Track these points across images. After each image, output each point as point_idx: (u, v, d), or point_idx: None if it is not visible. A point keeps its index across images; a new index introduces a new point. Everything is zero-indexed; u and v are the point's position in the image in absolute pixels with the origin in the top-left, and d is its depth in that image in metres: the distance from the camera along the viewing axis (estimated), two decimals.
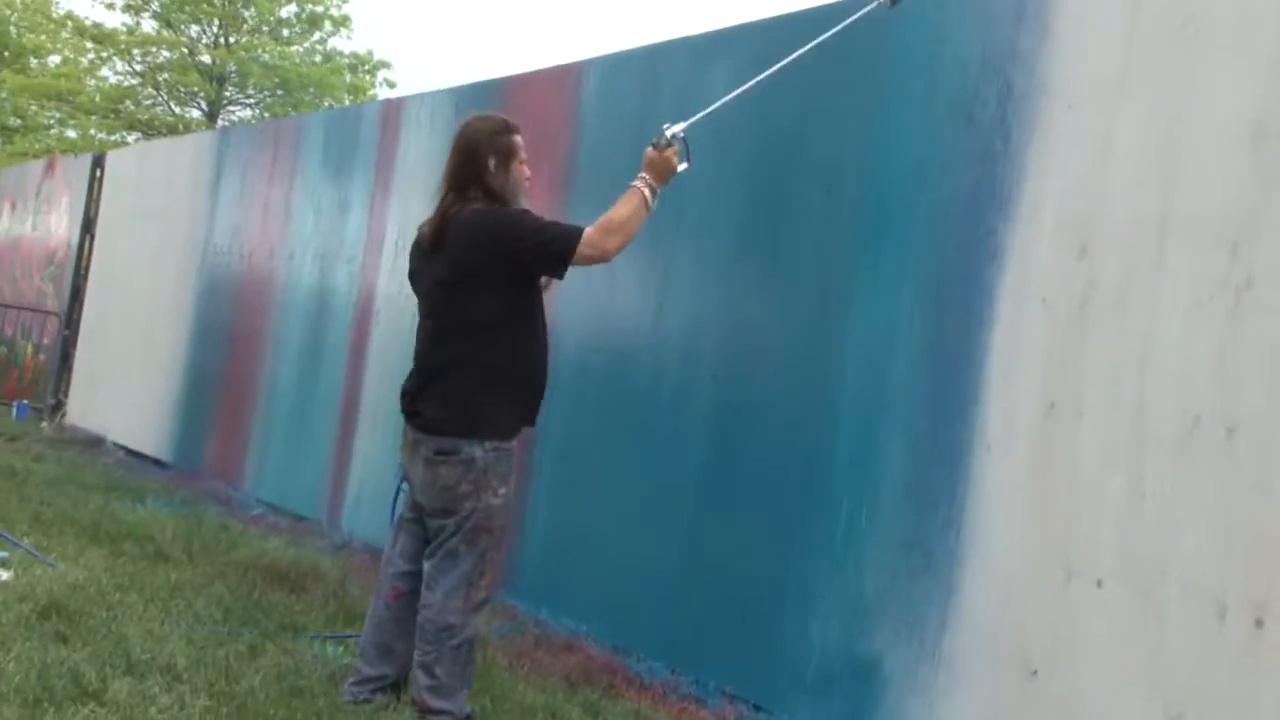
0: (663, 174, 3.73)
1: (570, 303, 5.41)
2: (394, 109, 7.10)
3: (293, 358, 7.67)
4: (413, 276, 3.86)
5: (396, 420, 6.55)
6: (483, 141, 3.71)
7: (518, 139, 3.78)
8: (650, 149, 3.73)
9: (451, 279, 3.62)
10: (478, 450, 3.58)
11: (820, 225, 4.36)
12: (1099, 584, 3.23)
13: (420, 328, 3.78)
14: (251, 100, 28.07)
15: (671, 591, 4.70)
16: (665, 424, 4.90)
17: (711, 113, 3.93)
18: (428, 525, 3.71)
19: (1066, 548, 3.33)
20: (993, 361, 3.62)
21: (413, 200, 6.79)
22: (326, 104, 26.99)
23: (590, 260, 3.62)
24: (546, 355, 3.75)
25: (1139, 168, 3.30)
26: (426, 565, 3.68)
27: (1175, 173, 3.20)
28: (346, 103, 26.32)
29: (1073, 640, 3.27)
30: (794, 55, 3.89)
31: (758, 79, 3.98)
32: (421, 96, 6.88)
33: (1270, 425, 2.88)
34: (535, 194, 5.20)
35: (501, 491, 3.63)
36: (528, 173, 3.81)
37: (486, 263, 3.58)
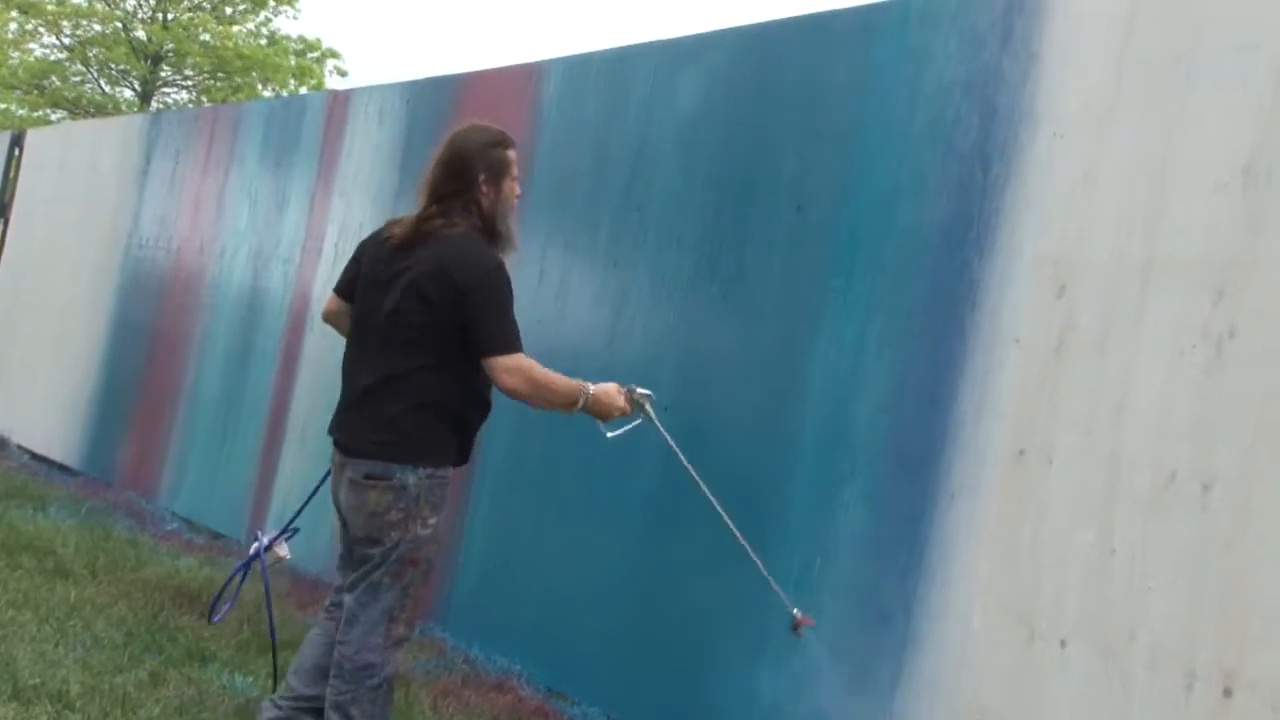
0: (605, 409, 3.68)
1: (519, 317, 5.41)
2: (340, 101, 7.10)
3: (219, 362, 7.63)
4: (361, 276, 3.76)
5: (325, 435, 6.49)
6: (475, 154, 3.65)
7: (512, 154, 3.73)
8: (615, 385, 3.69)
9: (407, 295, 3.55)
10: (411, 476, 3.54)
11: (788, 247, 4.39)
12: (1063, 645, 3.26)
13: (357, 335, 3.70)
14: (189, 82, 27.95)
15: (612, 633, 4.70)
16: (613, 458, 4.89)
17: (668, 442, 3.85)
18: (355, 554, 3.66)
19: (1031, 605, 3.37)
20: (961, 403, 3.66)
21: (356, 199, 6.78)
22: (270, 89, 26.87)
23: (494, 379, 3.54)
24: (488, 395, 3.70)
25: (1123, 205, 3.35)
26: (348, 598, 3.65)
27: (1160, 212, 3.26)
28: (292, 87, 26.23)
29: (1033, 705, 3.30)
30: None
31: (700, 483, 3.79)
32: (370, 89, 6.89)
33: (1247, 483, 2.93)
34: None
35: (432, 522, 3.59)
36: (518, 190, 3.75)
37: (448, 298, 3.53)
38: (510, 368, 3.52)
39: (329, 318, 3.89)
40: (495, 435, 5.53)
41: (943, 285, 3.79)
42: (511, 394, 3.55)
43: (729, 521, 3.74)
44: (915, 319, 3.86)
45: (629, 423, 3.74)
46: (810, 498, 4.09)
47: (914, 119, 3.97)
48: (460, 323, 3.52)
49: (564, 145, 5.52)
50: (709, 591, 4.35)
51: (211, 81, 27.17)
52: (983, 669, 3.45)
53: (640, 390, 3.73)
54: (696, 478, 3.76)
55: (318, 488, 4.00)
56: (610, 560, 4.79)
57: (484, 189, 3.62)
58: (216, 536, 7.06)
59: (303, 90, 25.56)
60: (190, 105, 26.29)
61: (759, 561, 3.73)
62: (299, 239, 7.14)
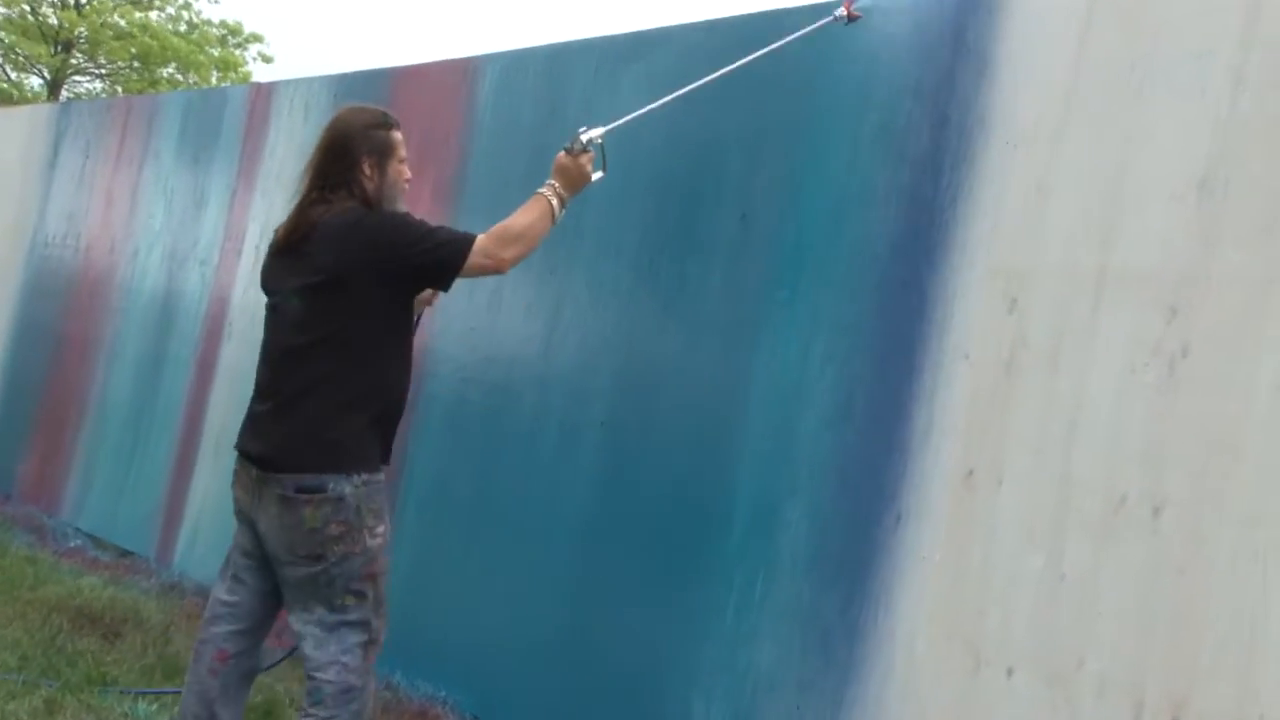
0: (575, 182, 3.74)
1: (449, 324, 5.42)
2: (263, 94, 7.07)
3: (129, 369, 7.55)
4: (265, 284, 3.79)
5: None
6: (356, 136, 3.66)
7: (397, 135, 3.73)
8: (562, 153, 3.75)
9: (314, 287, 3.54)
10: (346, 486, 3.51)
11: (732, 256, 4.43)
12: (1010, 673, 3.31)
13: (268, 343, 3.70)
14: (102, 71, 27.66)
15: (544, 658, 4.71)
16: (547, 471, 4.91)
17: (636, 118, 3.96)
18: (284, 576, 3.59)
19: (977, 631, 3.41)
20: (909, 420, 3.70)
21: (279, 198, 6.74)
22: (191, 81, 26.66)
23: (483, 270, 3.61)
24: (409, 383, 3.72)
25: (1077, 217, 3.41)
26: (297, 622, 3.56)
27: (1114, 225, 3.32)
28: (215, 81, 26.03)
29: None
30: (741, 62, 3.94)
31: (695, 85, 4.03)
32: (295, 82, 6.86)
33: (1198, 508, 2.99)
34: (418, 202, 5.22)
35: (380, 530, 3.57)
36: (407, 174, 3.76)
37: (359, 270, 3.51)
38: (486, 253, 3.55)
39: None
40: (422, 454, 5.53)
41: (891, 298, 3.84)
42: (510, 264, 3.60)
43: None
44: (862, 333, 3.90)
45: (600, 161, 3.77)
46: (751, 516, 4.11)
47: (863, 124, 4.02)
48: (393, 280, 3.51)
49: (500, 145, 5.53)
50: (644, 616, 4.37)
51: (127, 72, 26.91)
52: (926, 697, 3.49)
53: (585, 135, 3.73)
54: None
55: None
56: (542, 583, 4.79)
57: (368, 172, 3.62)
58: (124, 554, 6.98)
59: (227, 83, 25.36)
60: (103, 95, 26.01)
61: None
62: (218, 239, 7.09)
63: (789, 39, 3.92)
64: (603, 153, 3.73)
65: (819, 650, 3.78)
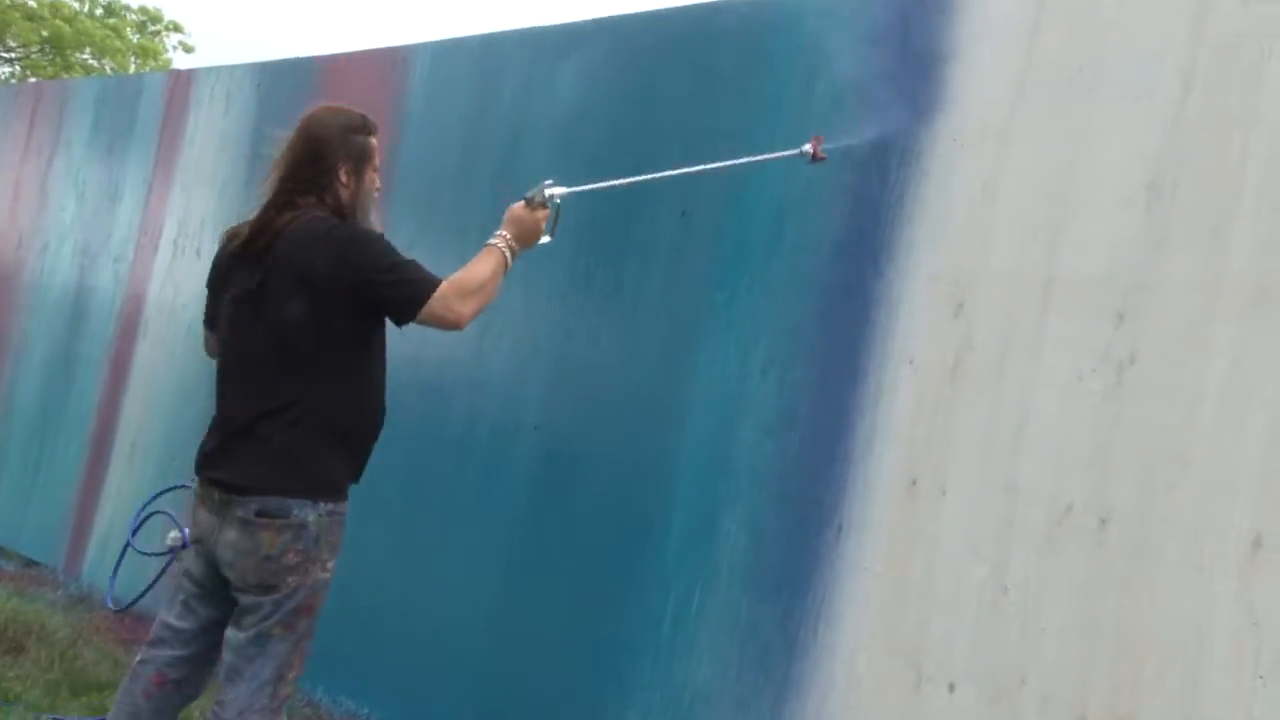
0: (526, 237, 3.64)
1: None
2: (182, 82, 7.02)
3: (36, 369, 7.47)
4: (217, 292, 3.66)
5: (159, 452, 6.42)
6: (334, 141, 3.55)
7: (374, 142, 3.63)
8: (519, 204, 3.68)
9: (284, 300, 3.45)
10: (310, 513, 3.43)
11: (671, 257, 4.45)
12: (951, 688, 3.34)
13: (230, 359, 3.59)
14: (11, 56, 27.29)
15: (474, 671, 4.71)
16: (478, 479, 4.91)
17: (604, 187, 3.92)
18: (239, 603, 3.50)
19: (919, 646, 3.44)
20: (851, 428, 3.74)
21: (199, 192, 6.71)
22: (108, 69, 26.40)
23: (440, 322, 3.48)
24: (383, 407, 3.63)
25: (1024, 220, 3.46)
26: (229, 629, 3.51)
27: (1062, 228, 3.36)
28: (134, 69, 25.78)
29: None
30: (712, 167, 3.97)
31: (667, 174, 3.99)
32: (216, 70, 6.82)
33: (1144, 519, 3.04)
34: None
35: (330, 565, 3.49)
36: (379, 183, 3.67)
37: (331, 285, 3.42)
38: (447, 304, 3.45)
39: (211, 353, 3.76)
40: None
41: (834, 302, 3.87)
42: (467, 320, 3.50)
43: None
44: (804, 337, 3.93)
45: (552, 222, 3.70)
46: (688, 527, 4.13)
47: (807, 122, 4.05)
48: (355, 305, 3.43)
49: (430, 139, 5.52)
50: (577, 628, 4.38)
51: (38, 57, 26.59)
52: (867, 714, 3.52)
53: (546, 191, 3.67)
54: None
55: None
56: (471, 593, 4.79)
57: (343, 179, 3.53)
58: (30, 564, 6.91)
59: (146, 71, 25.13)
60: (12, 81, 25.68)
61: None
62: (132, 234, 7.03)
63: (755, 160, 3.92)
64: (558, 214, 3.69)
65: (757, 665, 3.81)
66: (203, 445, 3.61)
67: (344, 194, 3.53)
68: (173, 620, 3.62)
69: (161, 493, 4.47)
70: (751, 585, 3.89)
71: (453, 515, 4.96)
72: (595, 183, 3.90)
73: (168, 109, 7.00)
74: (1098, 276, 3.26)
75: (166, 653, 3.60)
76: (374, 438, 3.61)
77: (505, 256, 3.60)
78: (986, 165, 3.56)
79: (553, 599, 4.50)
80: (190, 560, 3.65)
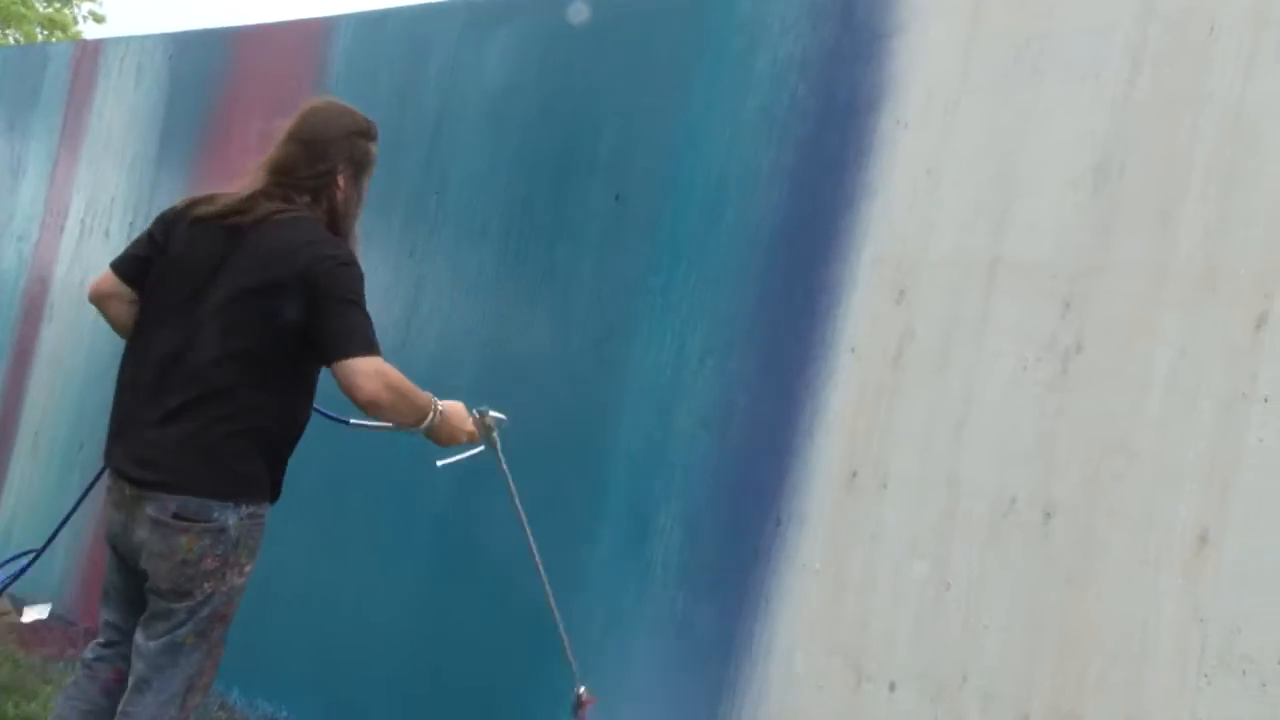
0: (451, 431, 3.57)
1: None
2: (90, 53, 6.95)
3: None
4: (162, 258, 3.51)
5: (65, 440, 6.34)
6: (339, 141, 3.49)
7: (375, 150, 3.58)
8: (462, 405, 3.61)
9: (245, 291, 3.37)
10: (232, 517, 3.36)
11: (605, 241, 4.45)
12: (892, 688, 3.37)
13: (155, 334, 3.45)
14: None
15: (396, 672, 4.70)
16: (401, 471, 4.90)
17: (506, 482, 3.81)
18: (150, 606, 3.43)
19: (860, 644, 3.47)
20: (791, 419, 3.76)
21: (108, 168, 6.65)
22: (13, 39, 26.07)
23: (349, 384, 3.32)
24: (309, 418, 3.55)
25: (968, 202, 3.48)
26: (139, 633, 3.43)
27: (1007, 211, 3.39)
28: (40, 40, 25.47)
29: None
30: None
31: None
32: (126, 40, 6.77)
33: (1090, 512, 3.07)
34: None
35: (248, 570, 3.45)
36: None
37: (292, 290, 3.35)
38: (370, 372, 3.31)
39: (99, 299, 3.61)
40: None
41: (773, 288, 3.89)
42: (368, 403, 3.34)
43: (541, 571, 3.73)
44: (742, 325, 3.94)
45: (470, 448, 3.64)
46: (623, 522, 4.14)
47: (745, 101, 4.06)
48: (307, 322, 3.34)
49: None
50: (505, 628, 4.38)
51: None
52: (805, 715, 3.54)
53: (493, 414, 3.63)
54: (524, 522, 3.73)
55: (68, 516, 3.86)
56: (393, 591, 4.78)
57: (341, 185, 3.48)
58: None
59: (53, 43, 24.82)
60: None
61: (560, 622, 3.72)
62: (37, 213, 6.96)
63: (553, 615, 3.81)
64: (490, 439, 3.66)
65: (692, 665, 3.82)
66: (112, 429, 3.49)
67: (339, 197, 3.49)
68: (113, 618, 3.55)
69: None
70: (687, 583, 3.91)
71: (375, 510, 4.94)
72: (504, 463, 3.73)
73: (74, 81, 6.92)
74: (1043, 261, 3.29)
75: (120, 649, 3.52)
76: (291, 452, 3.54)
77: (431, 415, 3.49)
78: (930, 145, 3.58)
79: (479, 598, 4.50)
80: (108, 568, 3.55)
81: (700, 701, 3.77)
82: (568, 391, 4.44)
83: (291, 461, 5.09)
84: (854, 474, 3.58)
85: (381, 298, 5.16)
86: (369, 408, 3.37)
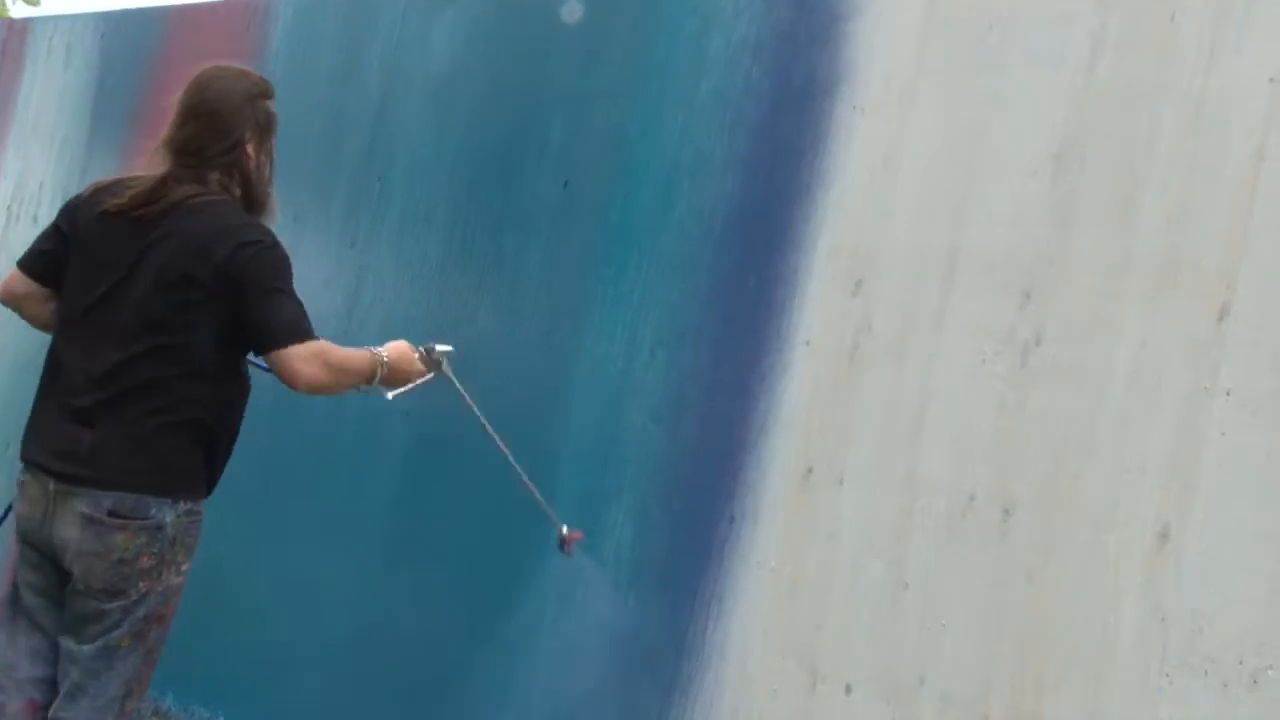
0: (401, 375, 3.57)
1: None
2: (17, 32, 6.89)
3: None
4: (76, 253, 3.47)
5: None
6: (241, 108, 3.44)
7: (274, 107, 3.53)
8: (406, 343, 3.60)
9: (164, 282, 3.34)
10: (169, 513, 3.34)
11: (553, 229, 4.45)
12: (848, 690, 3.39)
13: (77, 330, 3.42)
14: None
15: (339, 675, 4.69)
16: (344, 468, 4.89)
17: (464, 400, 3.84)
18: (76, 608, 3.38)
19: (815, 646, 3.49)
20: (744, 414, 3.76)
21: (36, 151, 6.60)
22: None
23: (285, 370, 3.35)
24: (245, 408, 3.54)
25: (927, 192, 3.50)
26: (67, 641, 3.38)
27: (966, 201, 3.41)
28: None
29: None
30: None
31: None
32: (55, 20, 6.72)
33: (1050, 510, 3.09)
34: None
35: (185, 569, 3.42)
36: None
37: (215, 281, 3.33)
38: (307, 356, 3.33)
39: (11, 301, 3.61)
40: None
41: (726, 279, 3.89)
42: (310, 387, 3.37)
43: (506, 450, 3.78)
44: (694, 316, 3.95)
45: (420, 379, 3.65)
46: (571, 518, 4.13)
47: (699, 86, 4.07)
48: (234, 312, 3.34)
49: (293, 100, 5.39)
50: (451, 629, 4.37)
51: None
52: (760, 717, 3.56)
53: (439, 347, 3.65)
54: (496, 438, 3.78)
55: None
56: (336, 592, 4.77)
57: (249, 153, 3.45)
58: None
59: None
60: None
61: (531, 485, 3.78)
62: None
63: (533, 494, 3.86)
64: (441, 369, 3.65)
65: (643, 667, 3.83)
66: (33, 424, 3.47)
67: (249, 165, 3.46)
68: (23, 638, 3.46)
69: None
70: (638, 581, 3.92)
71: (316, 506, 4.92)
72: (460, 385, 3.75)
73: (1, 62, 6.86)
74: (1002, 253, 3.31)
75: (29, 674, 3.45)
76: (232, 445, 3.53)
77: (375, 368, 3.49)
78: (887, 133, 3.59)
79: (423, 598, 4.49)
80: (21, 564, 3.47)
81: (650, 703, 3.78)
82: (515, 384, 4.44)
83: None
84: (809, 470, 3.59)
85: (321, 289, 5.15)
86: (312, 392, 3.41)
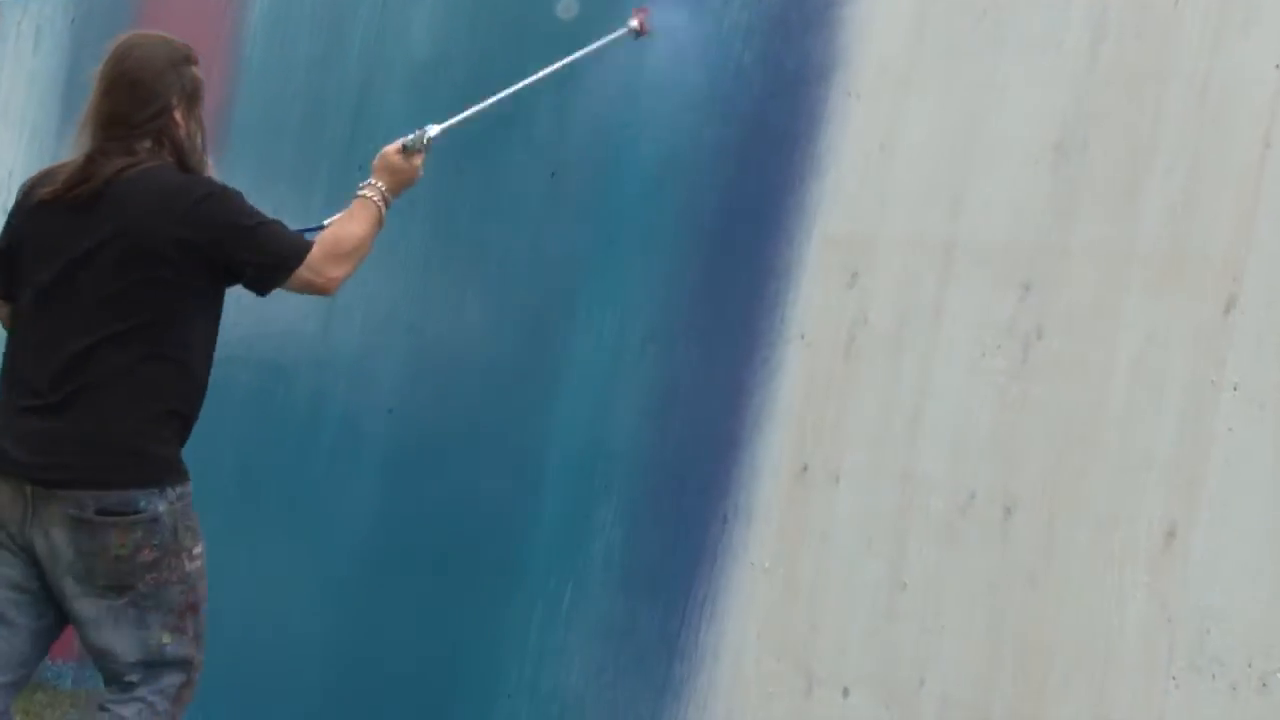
0: (403, 186, 3.65)
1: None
2: None
3: None
4: (23, 250, 3.49)
5: None
6: (165, 74, 3.42)
7: (200, 74, 3.54)
8: (394, 151, 3.64)
9: (118, 261, 3.33)
10: (161, 503, 3.34)
11: (540, 220, 4.44)
12: (845, 693, 3.39)
13: (36, 326, 3.42)
14: None
15: (318, 680, 4.68)
16: (325, 466, 4.88)
17: (477, 113, 3.96)
18: (77, 611, 3.38)
19: (811, 647, 3.48)
20: (737, 410, 3.76)
21: (5, 140, 6.60)
22: None
23: (308, 287, 3.47)
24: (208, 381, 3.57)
25: (924, 180, 3.49)
26: (103, 662, 3.40)
27: (965, 190, 3.40)
28: None
29: None
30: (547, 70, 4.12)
31: (514, 88, 4.13)
32: (24, 3, 6.69)
33: (1052, 508, 3.09)
34: None
35: (198, 551, 3.45)
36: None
37: (178, 248, 3.33)
38: (317, 268, 3.42)
39: None
40: None
41: (718, 271, 3.89)
42: (337, 287, 3.52)
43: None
44: (685, 310, 3.95)
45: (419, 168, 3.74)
46: (559, 518, 4.14)
47: (688, 72, 4.06)
48: (211, 270, 3.37)
49: (271, 87, 5.45)
50: (435, 633, 4.37)
51: None
52: None
53: (426, 135, 3.73)
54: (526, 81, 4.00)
55: None
56: (316, 594, 4.77)
57: (178, 120, 3.44)
58: None
59: None
60: None
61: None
62: None
63: (581, 54, 4.10)
64: (428, 149, 3.73)
65: (634, 669, 3.83)
66: (7, 427, 3.44)
67: (179, 134, 3.44)
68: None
69: None
70: (628, 582, 3.91)
71: (294, 509, 4.92)
72: (462, 112, 3.94)
73: None
74: (1002, 243, 3.31)
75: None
76: (198, 415, 3.54)
77: (380, 211, 3.59)
78: (883, 119, 3.59)
79: (407, 601, 4.49)
80: None
81: (642, 707, 3.78)
82: (500, 379, 4.43)
83: (196, 445, 5.07)
84: (804, 468, 3.59)
85: None
86: (340, 286, 3.53)
